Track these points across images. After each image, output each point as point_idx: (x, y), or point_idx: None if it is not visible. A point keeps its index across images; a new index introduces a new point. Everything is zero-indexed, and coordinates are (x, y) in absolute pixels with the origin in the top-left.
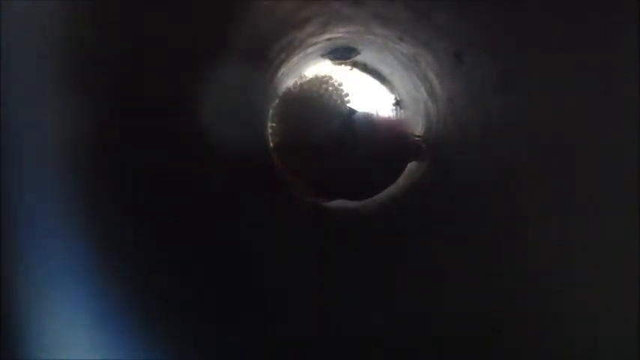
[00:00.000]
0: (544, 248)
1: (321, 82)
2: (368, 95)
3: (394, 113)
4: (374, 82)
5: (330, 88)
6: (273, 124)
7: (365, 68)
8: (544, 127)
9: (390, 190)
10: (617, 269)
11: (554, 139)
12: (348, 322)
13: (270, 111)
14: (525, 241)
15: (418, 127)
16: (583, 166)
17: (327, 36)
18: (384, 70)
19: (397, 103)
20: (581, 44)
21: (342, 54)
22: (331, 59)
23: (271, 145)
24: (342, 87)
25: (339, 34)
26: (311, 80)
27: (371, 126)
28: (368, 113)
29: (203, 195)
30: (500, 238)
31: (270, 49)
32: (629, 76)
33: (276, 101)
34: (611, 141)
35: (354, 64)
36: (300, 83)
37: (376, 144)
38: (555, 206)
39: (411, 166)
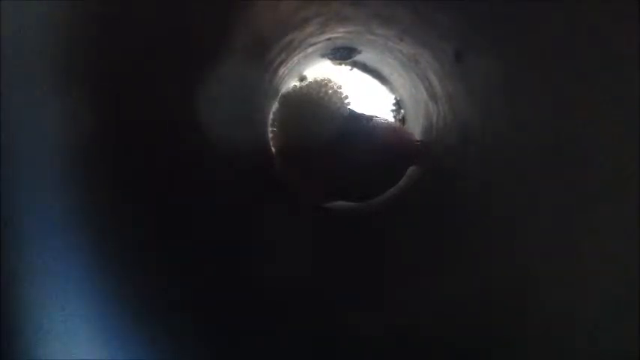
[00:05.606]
0: (544, 249)
1: (321, 85)
2: (368, 96)
3: (394, 114)
4: (374, 83)
5: (330, 91)
6: (274, 129)
7: (365, 68)
8: (544, 127)
9: (391, 190)
10: (618, 270)
11: (554, 139)
12: (348, 322)
13: (271, 115)
14: (526, 241)
15: (418, 127)
16: (583, 167)
17: (327, 36)
18: (384, 70)
19: (397, 104)
20: (581, 44)
21: (342, 54)
22: (331, 59)
23: (272, 148)
24: (341, 90)
25: (339, 34)
26: (310, 84)
27: (371, 129)
28: (368, 116)
29: (203, 195)
30: (500, 237)
31: (270, 49)
32: (630, 76)
33: (276, 105)
34: (611, 141)
35: (354, 65)
36: (300, 87)
37: (376, 147)
38: (555, 206)
39: (412, 167)
